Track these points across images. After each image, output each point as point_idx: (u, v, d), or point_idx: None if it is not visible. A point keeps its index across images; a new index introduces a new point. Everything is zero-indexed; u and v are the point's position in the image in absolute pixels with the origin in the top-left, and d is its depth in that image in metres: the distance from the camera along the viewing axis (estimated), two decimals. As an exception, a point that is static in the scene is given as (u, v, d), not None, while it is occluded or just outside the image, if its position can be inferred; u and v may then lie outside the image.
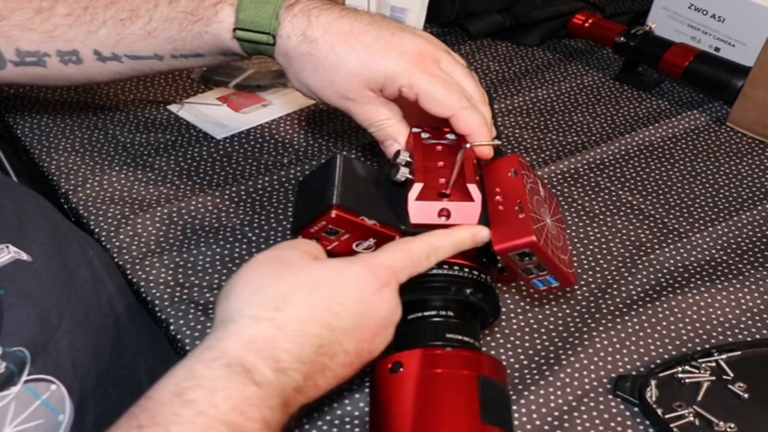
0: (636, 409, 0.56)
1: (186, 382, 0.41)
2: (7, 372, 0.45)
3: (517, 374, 0.59)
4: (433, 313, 0.52)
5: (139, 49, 0.61)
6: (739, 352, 0.60)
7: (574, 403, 0.56)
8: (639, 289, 0.66)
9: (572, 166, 0.79)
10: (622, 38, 0.92)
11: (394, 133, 0.59)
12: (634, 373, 0.59)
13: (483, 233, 0.53)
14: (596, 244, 0.71)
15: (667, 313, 0.64)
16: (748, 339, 0.62)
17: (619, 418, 0.56)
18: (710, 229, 0.73)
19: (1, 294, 0.48)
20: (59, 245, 0.55)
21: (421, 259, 0.50)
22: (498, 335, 0.62)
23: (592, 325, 0.62)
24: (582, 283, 0.66)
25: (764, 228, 0.73)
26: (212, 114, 0.83)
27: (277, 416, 0.43)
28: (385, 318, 0.48)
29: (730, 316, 0.64)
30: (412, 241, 0.51)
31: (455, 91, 0.56)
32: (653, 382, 0.57)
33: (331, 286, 0.46)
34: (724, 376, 0.58)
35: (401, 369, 0.49)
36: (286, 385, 0.43)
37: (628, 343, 0.61)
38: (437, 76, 0.56)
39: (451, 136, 0.59)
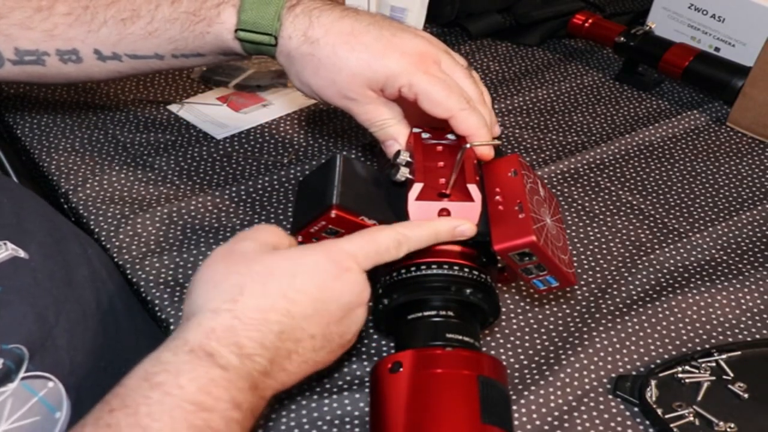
0: (636, 409, 0.56)
1: (153, 368, 0.43)
2: (4, 369, 0.45)
3: (517, 374, 0.59)
4: (433, 313, 0.52)
5: (140, 49, 0.62)
6: (739, 352, 0.60)
7: (574, 403, 0.56)
8: (639, 289, 0.66)
9: (572, 166, 0.79)
10: (622, 38, 0.92)
11: (394, 133, 0.59)
12: (634, 373, 0.59)
13: (464, 227, 0.53)
14: (596, 244, 0.71)
15: (667, 313, 0.64)
16: (748, 339, 0.62)
17: (619, 418, 0.56)
18: (710, 229, 0.73)
19: None
20: (58, 244, 0.55)
21: (389, 248, 0.50)
22: (498, 335, 0.62)
23: (592, 325, 0.62)
24: (582, 283, 0.66)
25: (764, 228, 0.73)
26: (212, 114, 0.83)
27: (247, 398, 0.44)
28: (350, 301, 0.49)
29: (730, 316, 0.64)
30: (380, 230, 0.51)
31: (454, 92, 0.56)
32: (653, 382, 0.57)
33: (286, 274, 0.47)
34: (724, 376, 0.58)
35: (401, 369, 0.49)
36: (252, 369, 0.44)
37: (628, 343, 0.61)
38: (437, 77, 0.56)
39: (451, 137, 0.59)
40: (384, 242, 0.50)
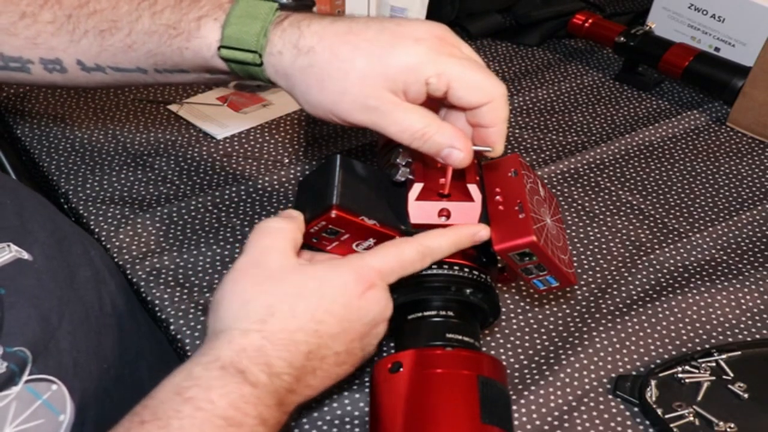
0: (636, 409, 0.56)
1: (185, 382, 0.43)
2: (8, 372, 0.45)
3: (517, 374, 0.59)
4: (433, 313, 0.52)
5: (122, 62, 0.58)
6: (739, 352, 0.60)
7: (574, 403, 0.56)
8: (639, 289, 0.66)
9: (572, 166, 0.79)
10: (622, 38, 0.92)
11: (447, 138, 0.50)
12: (634, 373, 0.59)
13: (483, 233, 0.53)
14: (596, 244, 0.71)
15: (667, 313, 0.64)
16: (748, 339, 0.62)
17: (619, 418, 0.56)
18: (710, 229, 0.73)
19: (2, 293, 0.48)
20: (60, 244, 0.55)
21: (414, 261, 0.51)
22: (498, 335, 0.62)
23: (592, 325, 0.62)
24: (582, 283, 0.66)
25: (764, 228, 0.73)
26: (212, 114, 0.83)
27: (273, 414, 0.44)
28: (374, 318, 0.49)
29: (730, 316, 0.64)
30: (405, 243, 0.51)
31: (491, 74, 0.50)
32: (653, 382, 0.57)
33: (315, 295, 0.47)
34: (724, 376, 0.58)
35: (401, 369, 0.49)
36: (280, 386, 0.45)
37: (628, 343, 0.61)
38: (467, 59, 0.50)
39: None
40: (409, 256, 0.50)
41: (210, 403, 0.42)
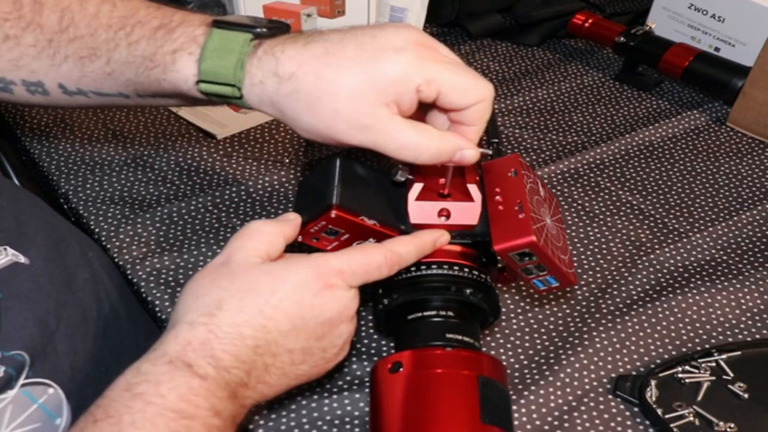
0: (636, 409, 0.56)
1: (134, 379, 0.44)
2: (6, 376, 0.45)
3: (517, 374, 0.59)
4: (433, 313, 0.52)
5: (103, 87, 0.58)
6: (739, 352, 0.60)
7: (574, 403, 0.56)
8: (639, 289, 0.66)
9: (572, 166, 0.79)
10: (622, 38, 0.92)
11: (453, 143, 0.50)
12: (634, 373, 0.59)
13: (444, 238, 0.53)
14: (596, 244, 0.71)
15: (667, 313, 0.64)
16: (748, 339, 0.62)
17: (619, 418, 0.56)
18: (710, 229, 0.73)
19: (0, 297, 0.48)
20: (58, 247, 0.55)
21: (381, 267, 0.50)
22: (498, 335, 0.62)
23: (592, 325, 0.62)
24: (582, 283, 0.66)
25: (764, 228, 0.73)
26: (212, 114, 0.83)
27: (227, 406, 0.44)
28: (332, 318, 0.48)
29: (730, 316, 0.64)
30: (373, 248, 0.50)
31: (478, 75, 0.50)
32: (653, 382, 0.57)
33: (265, 290, 0.47)
34: (724, 376, 0.58)
35: (401, 369, 0.49)
36: (230, 380, 0.45)
37: (628, 343, 0.61)
38: (452, 62, 0.50)
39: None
40: (375, 260, 0.49)
41: (160, 397, 0.42)
